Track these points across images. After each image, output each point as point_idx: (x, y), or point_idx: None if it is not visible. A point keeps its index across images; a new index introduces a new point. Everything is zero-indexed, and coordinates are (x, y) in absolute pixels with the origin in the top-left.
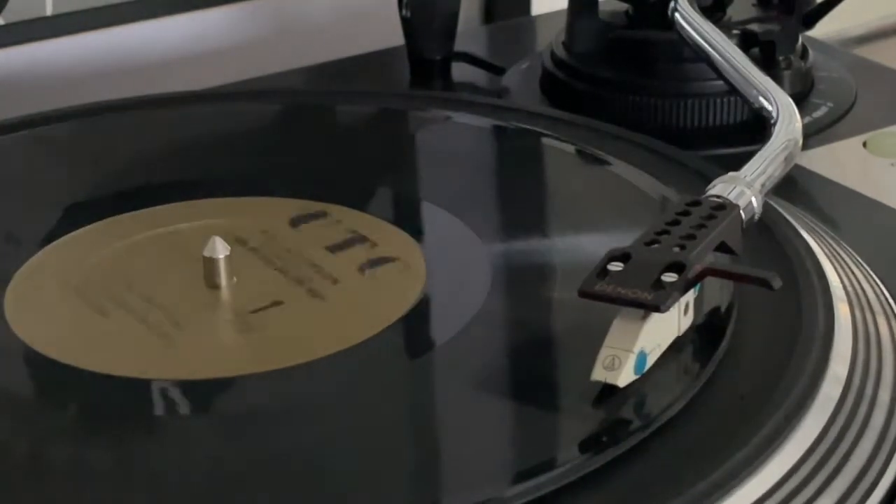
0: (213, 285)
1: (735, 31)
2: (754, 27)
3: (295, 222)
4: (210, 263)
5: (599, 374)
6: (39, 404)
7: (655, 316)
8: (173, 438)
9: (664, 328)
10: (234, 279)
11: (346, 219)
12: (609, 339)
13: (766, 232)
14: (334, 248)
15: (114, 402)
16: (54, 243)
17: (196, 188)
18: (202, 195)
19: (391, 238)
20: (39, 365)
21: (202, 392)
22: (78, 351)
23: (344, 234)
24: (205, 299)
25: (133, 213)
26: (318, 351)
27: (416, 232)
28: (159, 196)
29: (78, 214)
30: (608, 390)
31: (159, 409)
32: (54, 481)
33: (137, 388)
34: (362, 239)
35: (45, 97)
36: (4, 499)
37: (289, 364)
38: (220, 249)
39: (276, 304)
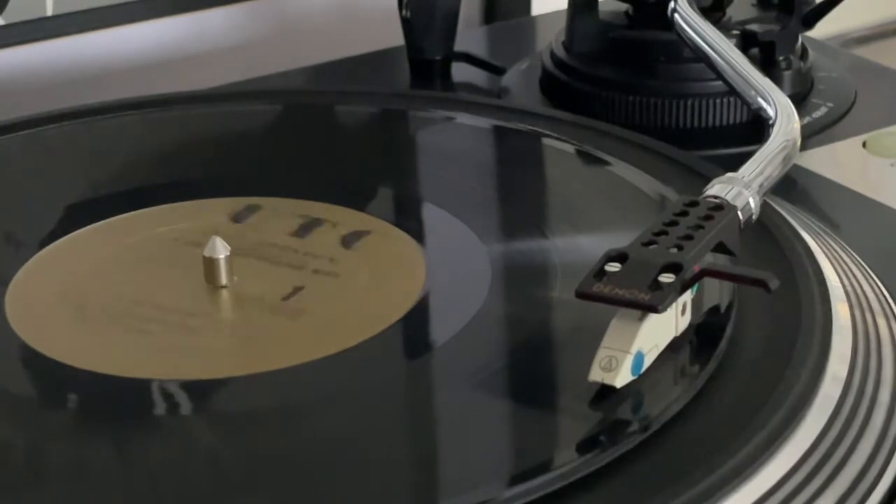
0: (214, 285)
1: (735, 32)
2: (754, 27)
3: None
4: (210, 263)
5: (597, 374)
6: (39, 404)
7: (653, 317)
8: (173, 439)
9: (661, 329)
10: (235, 279)
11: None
12: (606, 340)
13: (766, 232)
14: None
15: (114, 402)
16: (54, 243)
17: (196, 188)
18: (201, 195)
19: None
20: (39, 365)
21: (202, 392)
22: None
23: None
24: (205, 299)
25: (133, 213)
26: (319, 351)
27: (417, 232)
28: (158, 196)
29: (78, 214)
30: (605, 391)
31: (159, 409)
32: (54, 481)
33: (137, 388)
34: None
35: (45, 97)
36: (4, 499)
37: (289, 364)
38: (220, 249)
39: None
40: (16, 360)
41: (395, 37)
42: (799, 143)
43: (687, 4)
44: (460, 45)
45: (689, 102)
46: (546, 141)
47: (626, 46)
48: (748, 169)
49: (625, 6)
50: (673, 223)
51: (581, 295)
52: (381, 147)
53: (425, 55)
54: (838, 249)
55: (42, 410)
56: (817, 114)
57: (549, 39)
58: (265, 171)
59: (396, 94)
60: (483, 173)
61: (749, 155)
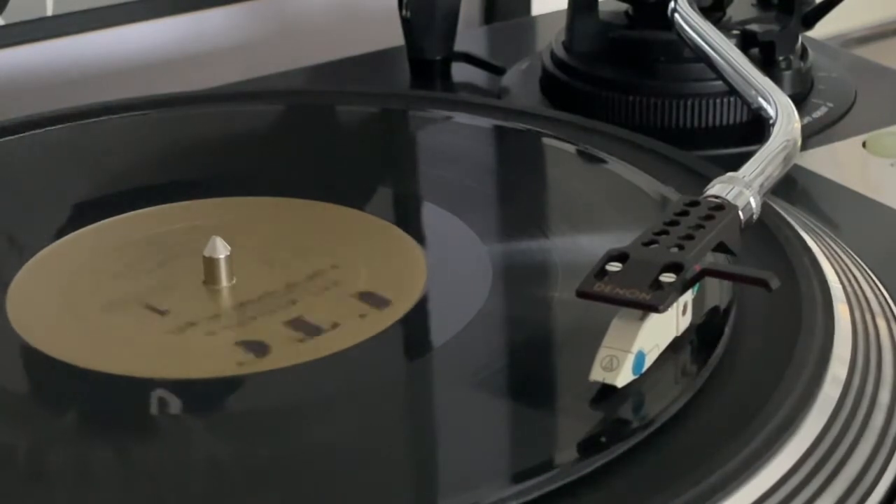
0: (214, 285)
1: (735, 32)
2: (754, 27)
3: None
4: (210, 263)
5: (598, 374)
6: (40, 403)
7: (654, 316)
8: (173, 438)
9: (662, 328)
10: (234, 279)
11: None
12: (607, 340)
13: (766, 232)
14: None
15: (114, 402)
16: (55, 243)
17: (195, 188)
18: (201, 195)
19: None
20: (40, 364)
21: (202, 392)
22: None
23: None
24: (205, 299)
25: (132, 213)
26: (319, 351)
27: (417, 232)
28: (158, 196)
29: (78, 214)
30: (606, 391)
31: (159, 408)
32: (54, 481)
33: (137, 388)
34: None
35: (45, 97)
36: (5, 499)
37: (288, 364)
38: (220, 249)
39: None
40: (16, 360)
41: (395, 37)
42: (799, 142)
43: (687, 4)
44: (460, 45)
45: (689, 102)
46: (546, 141)
47: (626, 46)
48: (749, 169)
49: (625, 6)
50: (674, 223)
51: (582, 294)
52: (381, 147)
53: (425, 55)
54: (838, 250)
55: (43, 410)
56: (817, 114)
57: (549, 39)
58: (265, 171)
59: (396, 94)
60: (483, 173)
61: (749, 155)
